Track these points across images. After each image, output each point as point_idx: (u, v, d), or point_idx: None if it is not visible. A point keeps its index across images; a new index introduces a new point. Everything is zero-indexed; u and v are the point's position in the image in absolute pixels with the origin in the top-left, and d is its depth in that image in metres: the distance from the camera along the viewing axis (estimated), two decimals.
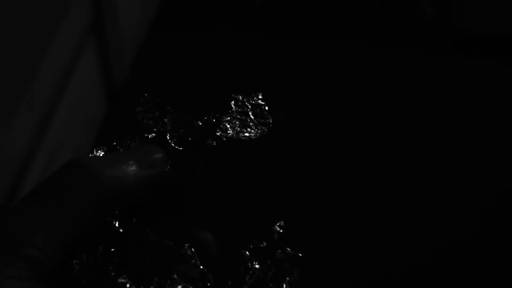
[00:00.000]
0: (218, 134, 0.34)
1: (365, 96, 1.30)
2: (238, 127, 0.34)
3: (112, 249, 0.31)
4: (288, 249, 0.32)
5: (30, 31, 0.93)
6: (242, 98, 0.34)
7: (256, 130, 0.34)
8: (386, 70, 1.35)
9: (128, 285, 0.31)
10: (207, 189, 0.34)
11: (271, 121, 0.34)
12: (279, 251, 0.32)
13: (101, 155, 0.33)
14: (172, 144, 0.33)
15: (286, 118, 1.22)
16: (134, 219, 0.33)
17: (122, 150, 0.33)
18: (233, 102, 0.34)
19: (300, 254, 0.32)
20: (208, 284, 0.31)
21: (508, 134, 1.25)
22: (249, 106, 0.34)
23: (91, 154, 0.33)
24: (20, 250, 0.28)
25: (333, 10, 1.45)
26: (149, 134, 0.34)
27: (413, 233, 1.11)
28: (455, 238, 1.11)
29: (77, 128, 1.13)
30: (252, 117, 0.34)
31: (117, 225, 0.32)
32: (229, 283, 0.32)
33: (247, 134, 0.34)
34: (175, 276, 0.31)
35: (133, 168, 0.31)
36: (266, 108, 0.34)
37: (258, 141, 0.34)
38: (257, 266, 0.32)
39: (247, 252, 0.33)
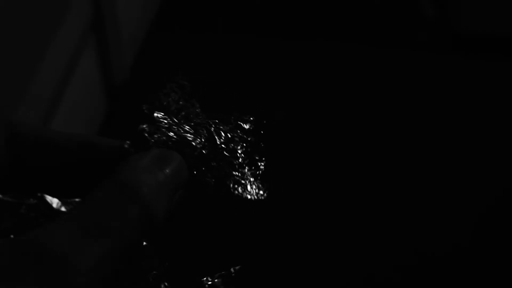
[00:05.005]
0: (231, 185, 0.34)
1: (364, 96, 1.30)
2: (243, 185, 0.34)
3: None
4: None
5: (30, 31, 0.93)
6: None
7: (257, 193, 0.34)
8: (385, 70, 1.35)
9: None
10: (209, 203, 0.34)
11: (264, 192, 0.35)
12: None
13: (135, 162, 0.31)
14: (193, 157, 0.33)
15: (285, 118, 1.22)
16: None
17: (154, 158, 0.31)
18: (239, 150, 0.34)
19: None
20: None
21: (508, 134, 1.25)
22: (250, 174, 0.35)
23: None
24: None
25: (333, 10, 1.45)
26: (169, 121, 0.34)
27: (412, 234, 1.11)
28: (454, 238, 1.11)
29: (77, 128, 1.13)
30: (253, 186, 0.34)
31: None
32: None
33: (248, 196, 0.34)
34: None
35: (170, 193, 0.30)
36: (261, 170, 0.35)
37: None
38: None
39: (205, 286, 0.33)
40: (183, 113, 0.34)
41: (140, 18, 1.37)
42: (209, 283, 0.33)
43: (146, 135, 0.33)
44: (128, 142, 0.33)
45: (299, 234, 1.11)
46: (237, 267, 0.33)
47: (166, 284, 0.32)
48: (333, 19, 1.44)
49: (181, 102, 0.34)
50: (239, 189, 0.34)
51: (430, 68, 1.35)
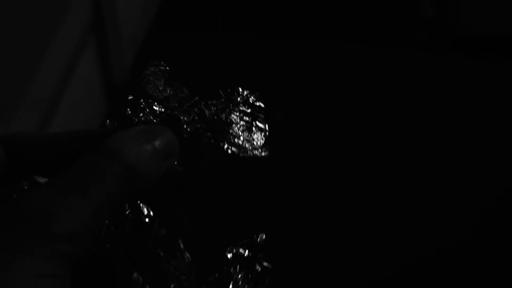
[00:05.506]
0: (225, 147, 0.34)
1: (364, 96, 1.30)
2: (243, 142, 0.34)
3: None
4: (266, 263, 0.33)
5: (30, 31, 0.93)
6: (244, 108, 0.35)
7: (260, 150, 0.34)
8: (385, 70, 1.35)
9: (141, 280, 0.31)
10: (207, 180, 0.34)
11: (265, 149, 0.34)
12: (257, 264, 0.33)
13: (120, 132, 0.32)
14: (185, 135, 0.34)
15: (285, 118, 1.22)
16: (138, 201, 0.33)
17: (139, 129, 0.32)
18: (235, 116, 0.35)
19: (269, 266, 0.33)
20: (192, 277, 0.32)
21: (508, 134, 1.25)
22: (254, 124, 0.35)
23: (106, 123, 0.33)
24: (59, 246, 0.27)
25: (333, 10, 1.45)
26: (155, 106, 0.34)
27: (413, 234, 1.11)
28: (454, 238, 1.11)
29: (77, 128, 1.13)
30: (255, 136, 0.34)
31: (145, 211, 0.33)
32: (210, 279, 0.32)
33: (250, 154, 0.34)
34: (171, 268, 0.32)
35: (157, 159, 0.31)
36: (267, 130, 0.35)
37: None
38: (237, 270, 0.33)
39: (228, 255, 0.33)
40: (171, 98, 0.34)
41: (140, 18, 1.37)
42: (233, 252, 0.33)
43: (131, 115, 0.34)
44: (108, 120, 0.34)
45: (299, 233, 1.11)
46: (261, 234, 0.33)
47: (188, 255, 0.32)
48: (333, 19, 1.44)
49: (168, 90, 0.35)
50: (233, 148, 0.34)
51: (430, 68, 1.35)
